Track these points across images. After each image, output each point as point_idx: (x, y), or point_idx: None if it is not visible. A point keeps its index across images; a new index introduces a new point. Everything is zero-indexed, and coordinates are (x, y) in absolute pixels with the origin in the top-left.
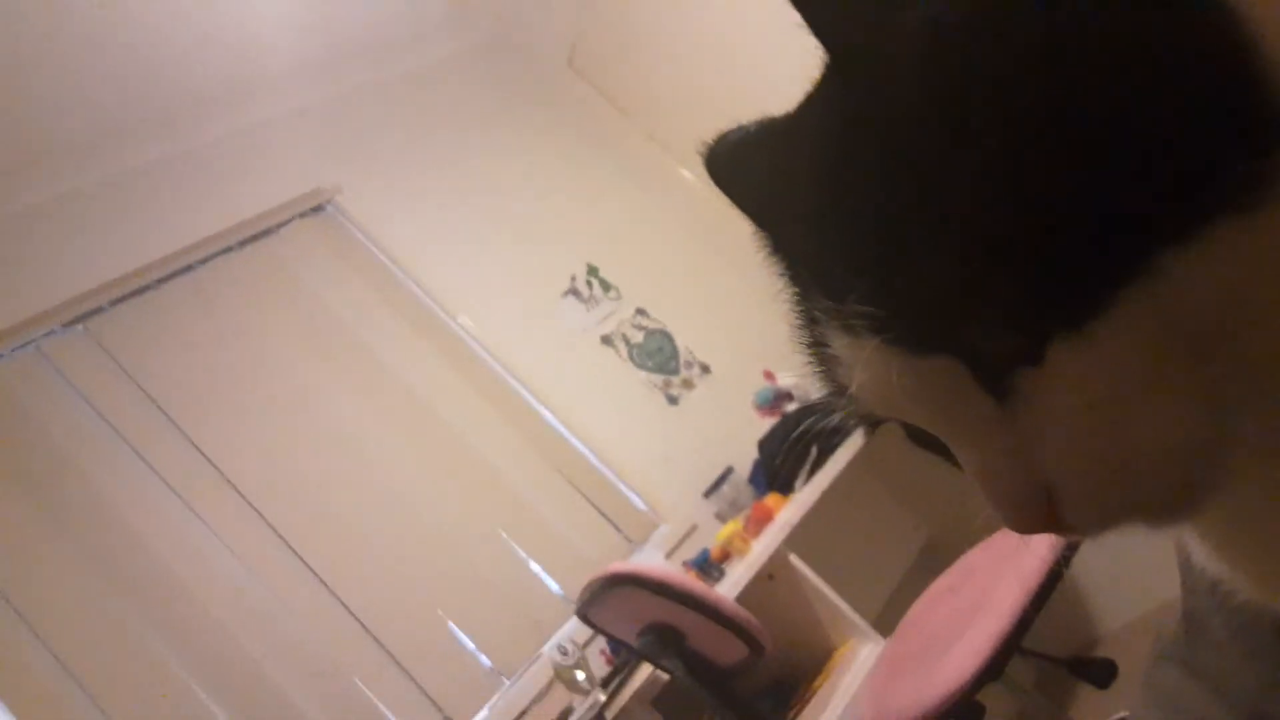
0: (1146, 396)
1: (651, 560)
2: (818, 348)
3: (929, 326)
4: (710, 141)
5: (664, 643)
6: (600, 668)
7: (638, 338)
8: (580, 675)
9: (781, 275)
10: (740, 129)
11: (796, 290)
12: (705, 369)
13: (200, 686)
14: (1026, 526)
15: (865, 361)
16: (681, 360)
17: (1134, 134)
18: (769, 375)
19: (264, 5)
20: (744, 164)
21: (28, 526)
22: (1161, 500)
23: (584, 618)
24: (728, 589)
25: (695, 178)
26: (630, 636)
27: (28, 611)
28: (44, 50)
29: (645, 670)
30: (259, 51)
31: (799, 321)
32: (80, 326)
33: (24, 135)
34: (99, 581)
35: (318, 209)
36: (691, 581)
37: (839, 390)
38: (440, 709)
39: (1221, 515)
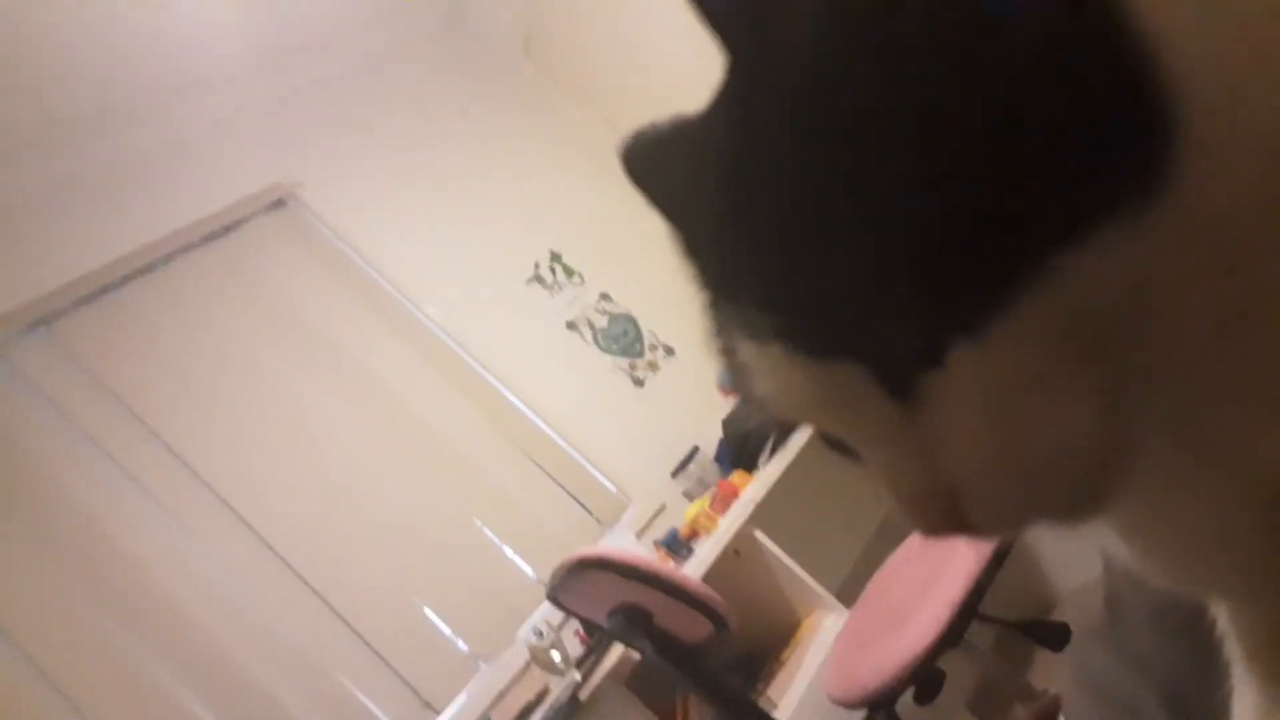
0: (1044, 398)
1: (622, 540)
2: (728, 354)
3: (828, 330)
4: (627, 139)
5: (633, 623)
6: (576, 649)
7: (602, 322)
8: (556, 656)
9: (693, 279)
10: (655, 127)
11: (706, 295)
12: (669, 351)
13: (181, 684)
14: (932, 529)
15: (769, 368)
16: (646, 343)
17: (1019, 133)
18: None
19: None
20: (658, 163)
21: None
22: (1063, 500)
23: (555, 601)
24: (696, 566)
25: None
26: (601, 617)
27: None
28: None
29: (618, 650)
30: (211, 44)
31: (711, 328)
32: (43, 329)
33: None
34: (72, 583)
35: (279, 203)
36: (656, 563)
37: (749, 396)
38: (419, 694)
39: (1128, 507)
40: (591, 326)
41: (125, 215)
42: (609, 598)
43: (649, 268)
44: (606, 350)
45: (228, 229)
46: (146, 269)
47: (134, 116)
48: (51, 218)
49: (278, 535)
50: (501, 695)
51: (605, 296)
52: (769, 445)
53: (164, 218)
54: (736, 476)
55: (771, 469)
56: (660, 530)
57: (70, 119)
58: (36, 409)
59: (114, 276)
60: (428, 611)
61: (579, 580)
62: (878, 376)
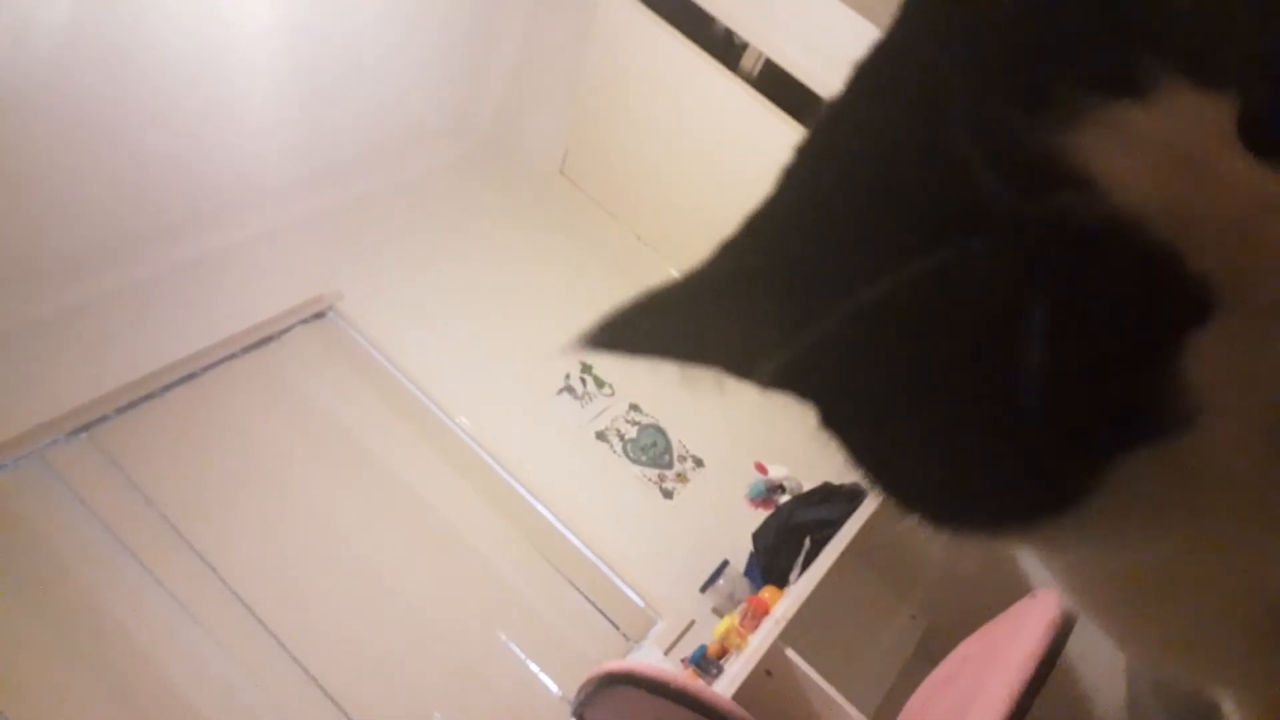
0: None
1: (650, 657)
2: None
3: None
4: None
5: None
6: None
7: (631, 433)
8: None
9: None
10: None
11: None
12: (699, 462)
13: None
14: None
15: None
16: (675, 454)
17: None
18: (760, 468)
19: (261, 118)
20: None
21: (26, 633)
22: None
23: (580, 718)
24: (726, 686)
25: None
26: None
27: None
28: (43, 166)
29: None
30: (259, 163)
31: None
32: (83, 435)
33: (24, 251)
34: (93, 684)
35: (319, 315)
36: (688, 680)
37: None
38: None
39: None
40: (621, 437)
41: (172, 325)
42: (637, 716)
43: (678, 379)
44: (635, 461)
45: (267, 339)
46: (188, 377)
47: (182, 232)
48: (96, 330)
49: (302, 645)
50: None
51: (635, 407)
52: (800, 560)
53: (210, 328)
54: (767, 592)
55: (803, 585)
56: (688, 648)
57: (120, 235)
58: (70, 511)
59: (156, 385)
60: None
61: (605, 696)
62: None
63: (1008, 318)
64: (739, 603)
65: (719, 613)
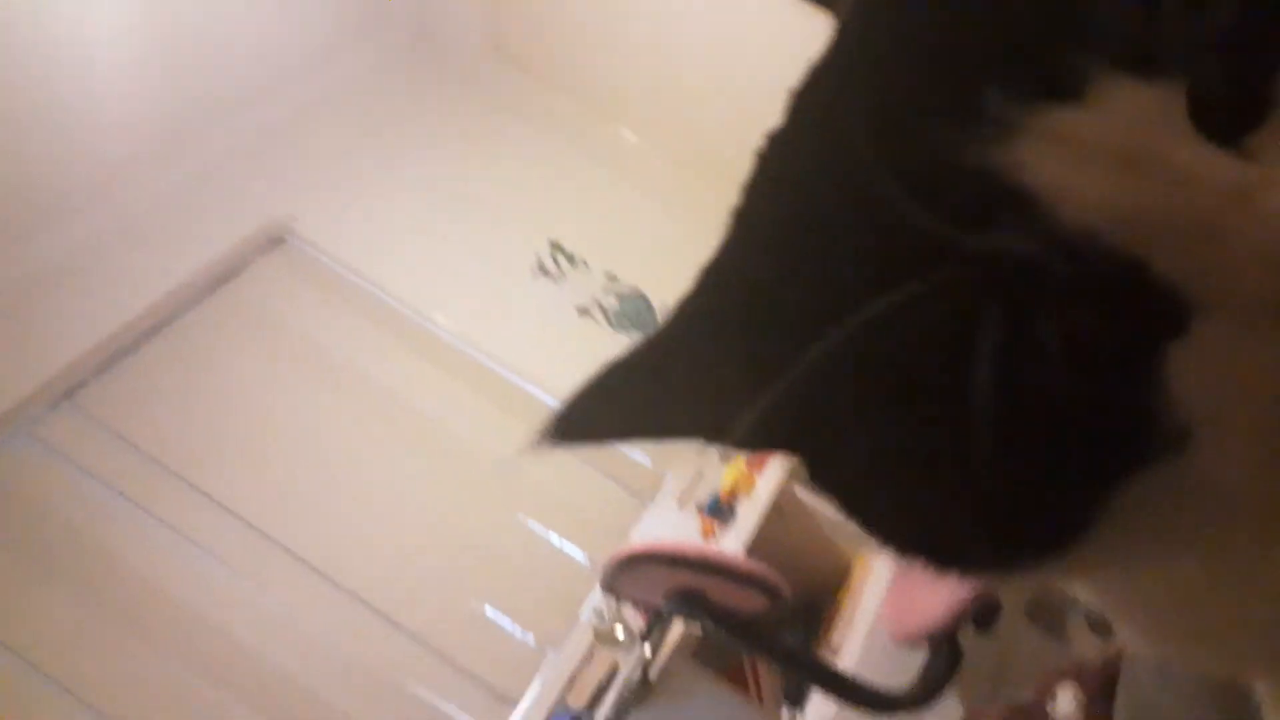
0: None
1: (665, 513)
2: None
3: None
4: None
5: (689, 604)
6: (639, 624)
7: (613, 303)
8: (620, 632)
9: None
10: None
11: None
12: None
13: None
14: None
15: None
16: (659, 315)
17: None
18: None
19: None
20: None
21: (55, 609)
22: None
23: (610, 592)
24: (740, 531)
25: (636, 136)
26: (657, 601)
27: (77, 689)
28: None
29: (680, 623)
30: (165, 103)
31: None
32: (66, 403)
33: None
34: (136, 642)
35: (278, 241)
36: (701, 548)
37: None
38: (493, 690)
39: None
40: (603, 309)
41: (127, 281)
42: (661, 584)
43: (648, 239)
44: (621, 329)
45: (230, 275)
46: (158, 328)
47: (115, 185)
48: (54, 294)
49: (331, 563)
50: (573, 679)
51: (611, 276)
52: None
53: (166, 276)
54: None
55: None
56: (702, 495)
57: (53, 198)
58: (74, 480)
59: (128, 340)
60: (488, 610)
61: (629, 574)
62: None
63: (964, 361)
64: None
65: (725, 457)
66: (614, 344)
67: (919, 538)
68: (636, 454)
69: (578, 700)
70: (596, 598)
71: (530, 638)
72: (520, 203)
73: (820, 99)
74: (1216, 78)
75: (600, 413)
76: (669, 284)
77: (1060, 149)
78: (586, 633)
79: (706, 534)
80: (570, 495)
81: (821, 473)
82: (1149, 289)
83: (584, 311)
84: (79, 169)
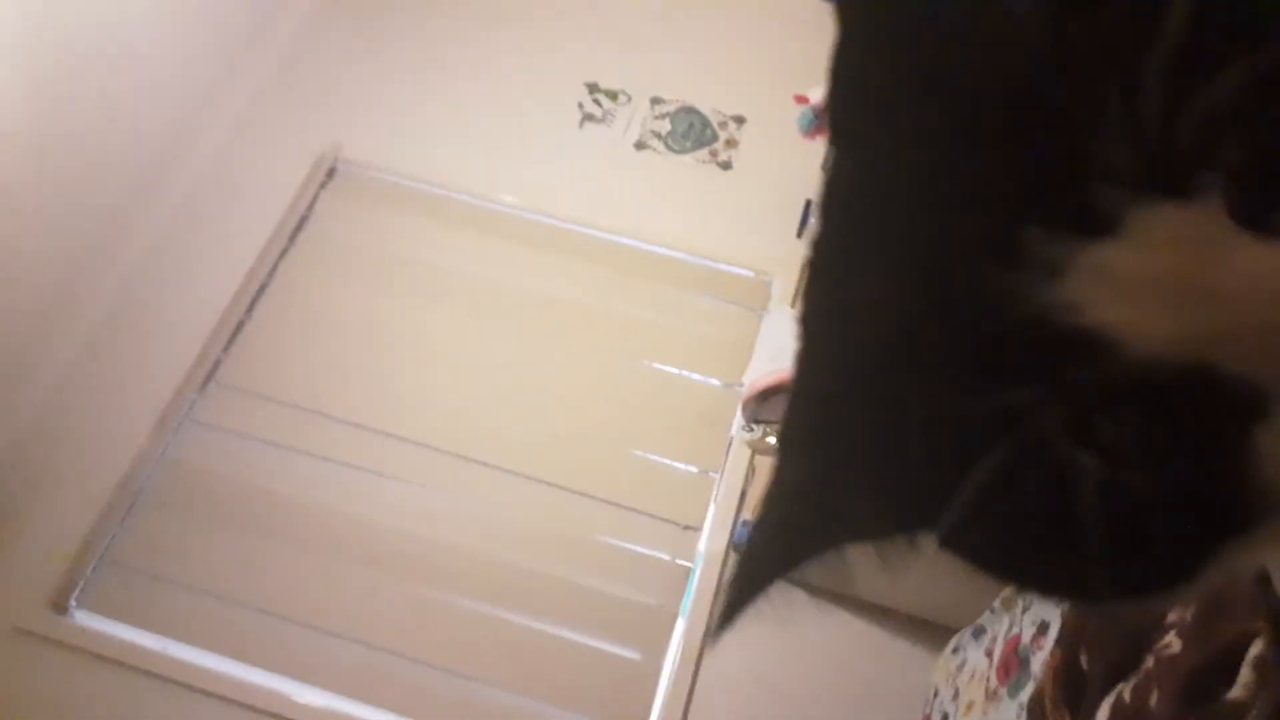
0: None
1: (780, 319)
2: None
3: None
4: None
5: None
6: None
7: (665, 126)
8: (771, 439)
9: None
10: None
11: None
12: (739, 120)
13: (484, 605)
14: None
15: None
16: (714, 124)
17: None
18: (800, 99)
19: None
20: None
21: (264, 558)
22: None
23: (754, 423)
24: None
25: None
26: None
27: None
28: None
29: None
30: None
31: None
32: (211, 383)
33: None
34: (349, 571)
35: (332, 173)
36: None
37: None
38: (678, 523)
39: None
40: (658, 135)
41: (217, 256)
42: None
43: (686, 50)
44: (682, 151)
45: (304, 220)
46: (262, 289)
47: (170, 169)
48: (160, 285)
49: (489, 452)
50: (745, 494)
51: (656, 100)
52: None
53: (250, 237)
54: None
55: None
56: None
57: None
58: (238, 447)
59: (239, 313)
60: (649, 455)
61: (767, 404)
62: None
63: (1070, 503)
64: None
65: None
66: (678, 167)
67: (1060, 590)
68: (738, 270)
69: (755, 514)
70: (741, 417)
71: (693, 468)
72: (546, 58)
73: (864, 231)
74: (1250, 168)
75: (758, 583)
76: (715, 88)
77: (1111, 286)
78: (742, 450)
79: None
80: (686, 327)
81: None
82: (1223, 384)
83: (641, 145)
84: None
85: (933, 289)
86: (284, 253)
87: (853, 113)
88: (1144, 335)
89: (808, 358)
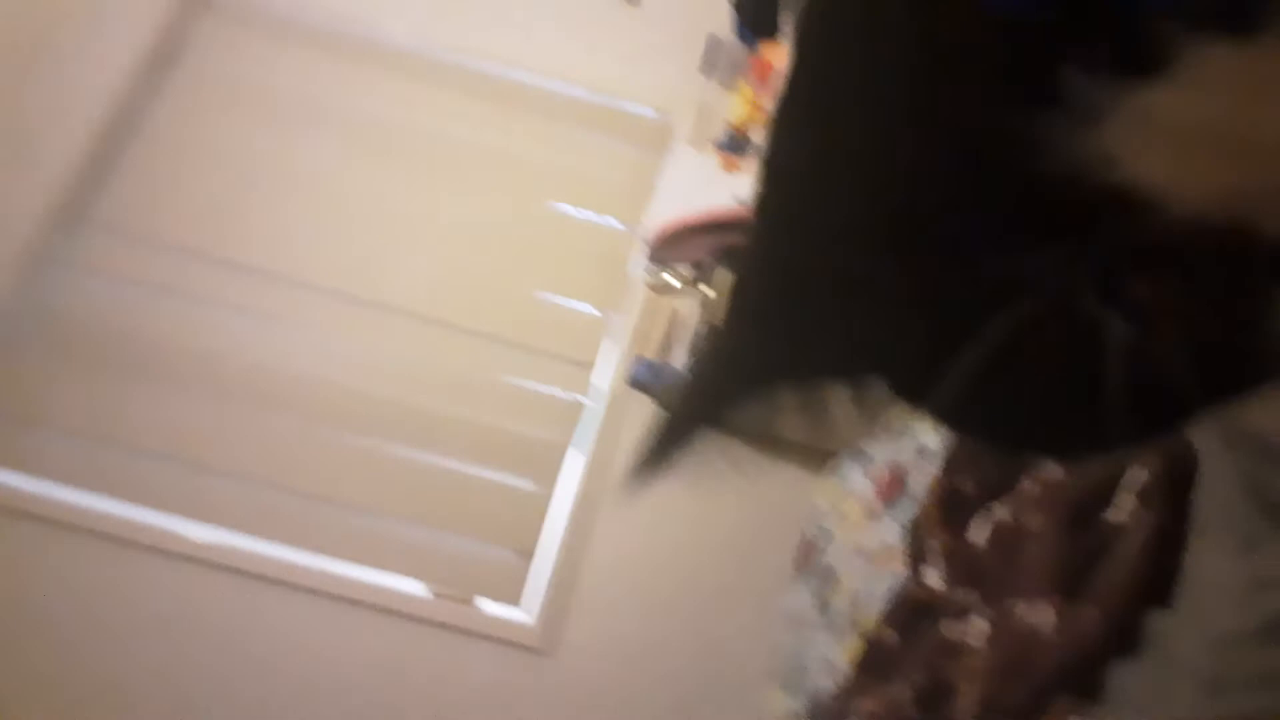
0: None
1: (682, 159)
2: None
3: None
4: None
5: (735, 258)
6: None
7: None
8: (671, 279)
9: None
10: None
11: None
12: None
13: (389, 443)
14: None
15: None
16: None
17: None
18: None
19: None
20: None
21: (144, 405)
22: None
23: (658, 263)
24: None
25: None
26: (704, 260)
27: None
28: None
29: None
30: None
31: None
32: (83, 223)
33: None
34: (243, 413)
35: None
36: (733, 210)
37: None
38: (571, 359)
39: None
40: None
41: (74, 88)
42: (705, 247)
43: None
44: None
45: (175, 52)
46: (132, 129)
47: None
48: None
49: (386, 293)
50: (639, 332)
51: None
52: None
53: (111, 71)
54: (765, 49)
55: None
56: (715, 131)
57: None
58: (118, 291)
59: (111, 146)
60: (548, 296)
61: (674, 246)
62: None
63: (1096, 362)
64: (742, 68)
65: (727, 86)
66: None
67: (1065, 452)
68: (639, 107)
69: (651, 352)
70: (642, 258)
71: (590, 307)
72: None
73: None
74: None
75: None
76: None
77: (1155, 136)
78: (641, 289)
79: (730, 169)
80: (587, 166)
81: (973, 428)
82: (1258, 248)
83: None
84: None
85: (945, 130)
86: (153, 93)
87: None
88: (1187, 192)
89: (778, 202)
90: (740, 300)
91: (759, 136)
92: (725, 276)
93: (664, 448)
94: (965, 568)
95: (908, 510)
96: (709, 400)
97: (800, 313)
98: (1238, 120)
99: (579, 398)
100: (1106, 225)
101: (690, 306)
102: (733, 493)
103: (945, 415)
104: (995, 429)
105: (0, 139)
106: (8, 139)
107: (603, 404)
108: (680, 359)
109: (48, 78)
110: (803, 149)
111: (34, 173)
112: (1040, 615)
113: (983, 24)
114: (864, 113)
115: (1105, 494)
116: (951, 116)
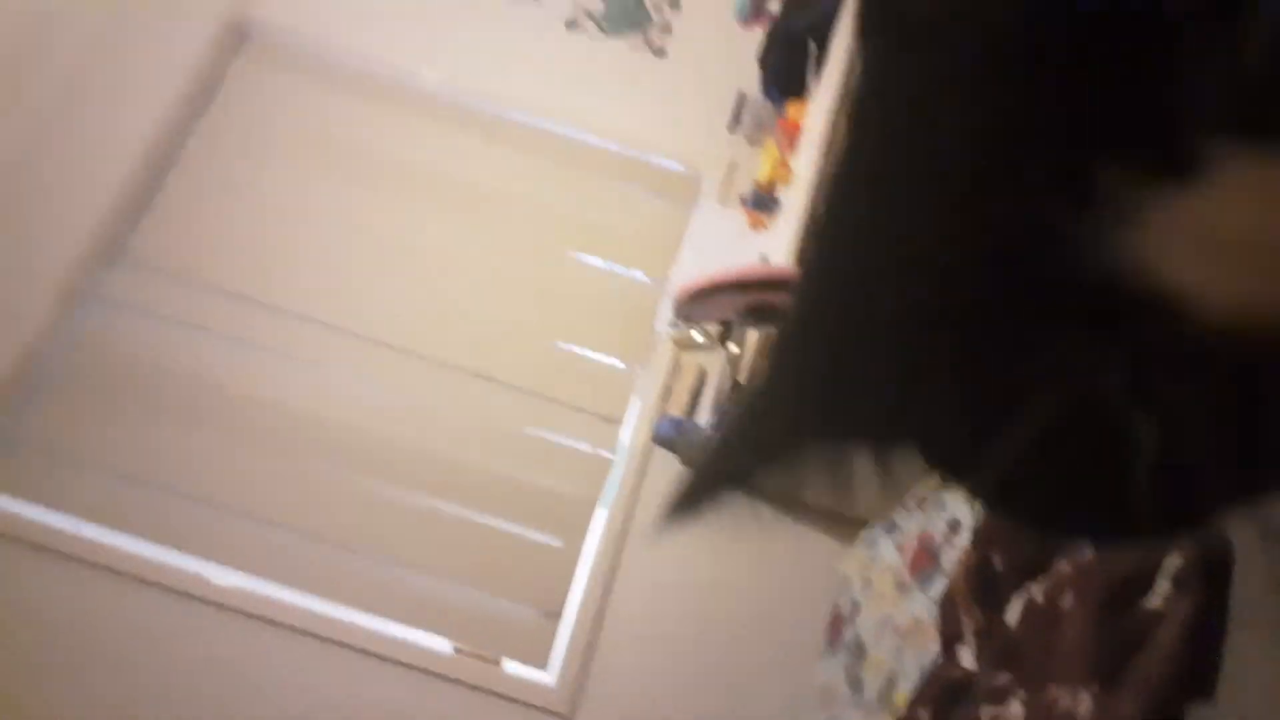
0: None
1: (708, 213)
2: None
3: None
4: None
5: (761, 317)
6: (715, 328)
7: (598, 6)
8: (697, 335)
9: None
10: None
11: None
12: (674, 3)
13: (413, 493)
14: None
15: None
16: (648, 5)
17: None
18: None
19: None
20: None
21: (173, 439)
22: None
23: (684, 320)
24: (791, 217)
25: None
26: (730, 319)
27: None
28: None
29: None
30: None
31: None
32: (120, 260)
33: None
34: (266, 457)
35: (243, 37)
36: (760, 268)
37: None
38: (600, 415)
39: None
40: (591, 17)
41: (117, 126)
42: (731, 305)
43: None
44: (615, 32)
45: (213, 89)
46: (169, 164)
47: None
48: (57, 156)
49: (411, 339)
50: (667, 389)
51: None
52: (811, 66)
53: (152, 109)
54: (792, 108)
55: (824, 94)
56: (741, 188)
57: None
58: (150, 327)
59: (148, 184)
60: (572, 348)
61: (700, 303)
62: None
63: (1122, 465)
64: (769, 127)
65: (754, 143)
66: (610, 50)
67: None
68: (667, 161)
69: (677, 408)
70: (668, 312)
71: (616, 361)
72: None
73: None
74: None
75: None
76: None
77: (1191, 243)
78: (667, 345)
79: (757, 226)
80: (614, 220)
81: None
82: None
83: (572, 24)
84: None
85: (990, 220)
86: (193, 124)
87: (910, 2)
88: (1217, 299)
89: (826, 267)
90: (780, 358)
91: (785, 195)
92: (751, 335)
93: (688, 506)
94: (999, 648)
95: (938, 584)
96: (736, 459)
97: (840, 376)
98: (1265, 230)
99: (606, 454)
100: (1138, 326)
101: (715, 364)
102: (760, 557)
103: (986, 493)
104: (1031, 509)
105: (37, 177)
106: (44, 178)
107: (627, 461)
108: (705, 416)
109: (85, 117)
110: (853, 222)
111: (69, 210)
112: (1078, 703)
113: (1031, 122)
114: (913, 193)
115: (1143, 580)
116: (997, 208)
